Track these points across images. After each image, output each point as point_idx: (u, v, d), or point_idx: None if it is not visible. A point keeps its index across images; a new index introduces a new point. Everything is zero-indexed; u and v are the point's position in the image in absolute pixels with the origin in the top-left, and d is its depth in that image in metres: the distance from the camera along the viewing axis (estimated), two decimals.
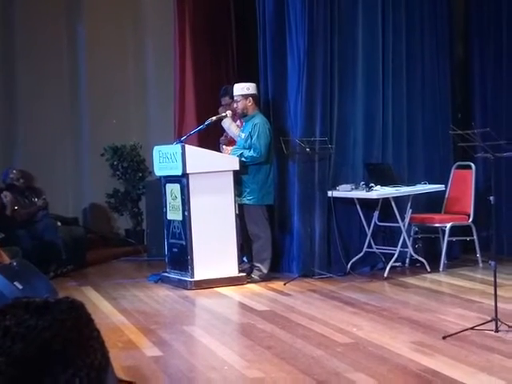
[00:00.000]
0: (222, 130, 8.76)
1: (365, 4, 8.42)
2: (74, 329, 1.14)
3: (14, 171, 9.29)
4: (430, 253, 8.52)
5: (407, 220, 8.16)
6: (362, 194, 8.02)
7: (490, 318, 5.55)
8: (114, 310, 6.84)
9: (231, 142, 8.55)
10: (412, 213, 8.18)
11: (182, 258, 7.86)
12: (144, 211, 10.77)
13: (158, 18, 10.98)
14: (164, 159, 8.00)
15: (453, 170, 8.72)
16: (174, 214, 7.97)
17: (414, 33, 8.73)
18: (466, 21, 9.70)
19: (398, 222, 8.06)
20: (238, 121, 8.52)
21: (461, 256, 8.86)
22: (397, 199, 8.04)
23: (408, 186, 8.20)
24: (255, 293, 7.49)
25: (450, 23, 9.08)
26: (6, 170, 9.39)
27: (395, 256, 8.08)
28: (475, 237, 8.33)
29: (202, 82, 9.62)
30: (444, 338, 5.38)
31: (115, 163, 10.95)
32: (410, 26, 8.68)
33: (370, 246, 8.33)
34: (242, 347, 5.56)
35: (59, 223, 9.30)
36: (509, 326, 5.49)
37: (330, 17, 8.24)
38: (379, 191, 7.96)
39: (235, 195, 7.91)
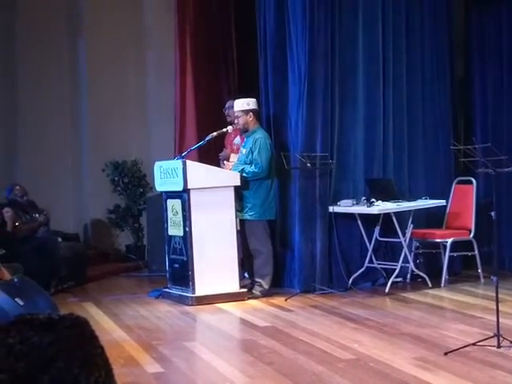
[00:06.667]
0: (223, 145, 8.77)
1: (365, 21, 8.45)
2: (78, 346, 1.13)
3: (18, 187, 9.26)
4: (431, 268, 8.51)
5: (408, 235, 8.15)
6: (363, 209, 8.02)
7: (492, 334, 5.54)
8: (115, 326, 6.82)
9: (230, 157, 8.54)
10: (413, 228, 8.17)
11: (182, 274, 7.85)
12: (145, 227, 10.75)
13: (158, 33, 11.00)
14: (165, 175, 8.00)
15: (454, 185, 8.72)
16: (174, 230, 7.97)
17: (415, 48, 8.76)
18: (467, 36, 9.74)
19: (399, 238, 8.05)
20: (238, 137, 8.52)
21: (462, 271, 8.85)
22: (398, 214, 8.04)
23: (409, 201, 8.19)
24: (256, 308, 7.47)
25: (451, 38, 9.11)
26: (11, 185, 9.37)
27: (396, 271, 8.07)
28: (476, 252, 8.32)
29: (202, 97, 9.63)
30: (446, 353, 5.36)
31: (116, 179, 10.95)
32: (410, 41, 8.71)
33: (371, 262, 8.32)
34: (244, 363, 5.54)
35: (60, 239, 9.28)
36: (511, 342, 5.46)
37: (330, 32, 8.27)
38: (380, 206, 7.96)
39: (236, 210, 7.90)
